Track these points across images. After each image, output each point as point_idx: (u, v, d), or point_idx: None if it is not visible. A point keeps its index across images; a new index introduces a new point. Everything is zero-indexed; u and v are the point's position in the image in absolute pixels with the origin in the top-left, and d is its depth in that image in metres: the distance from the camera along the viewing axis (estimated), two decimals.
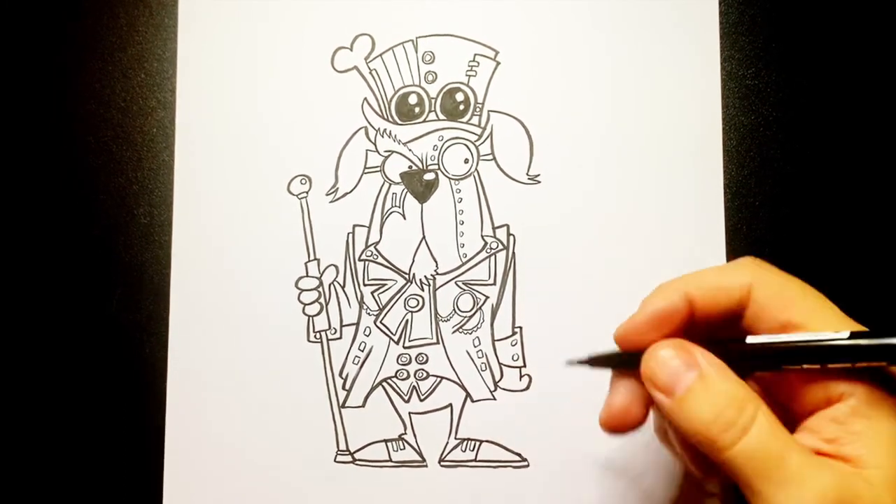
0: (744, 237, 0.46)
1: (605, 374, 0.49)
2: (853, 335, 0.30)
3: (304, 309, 0.47)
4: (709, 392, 0.30)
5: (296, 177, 0.47)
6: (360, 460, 0.46)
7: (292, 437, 0.46)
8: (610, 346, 0.46)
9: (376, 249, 0.47)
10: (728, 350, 0.32)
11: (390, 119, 0.48)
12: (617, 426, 0.35)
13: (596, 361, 0.36)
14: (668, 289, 0.33)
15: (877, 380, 0.30)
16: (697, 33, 0.47)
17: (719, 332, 0.33)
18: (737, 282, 0.32)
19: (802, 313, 0.31)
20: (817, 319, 0.31)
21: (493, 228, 0.47)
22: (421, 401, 0.46)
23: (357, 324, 0.47)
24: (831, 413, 0.30)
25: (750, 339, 0.31)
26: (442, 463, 0.46)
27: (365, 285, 0.47)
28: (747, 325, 0.32)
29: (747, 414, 0.29)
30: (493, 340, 0.46)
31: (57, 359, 0.47)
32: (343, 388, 0.46)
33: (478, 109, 0.48)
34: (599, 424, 0.35)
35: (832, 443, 0.30)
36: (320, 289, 0.47)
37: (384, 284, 0.47)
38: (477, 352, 0.46)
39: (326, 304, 0.47)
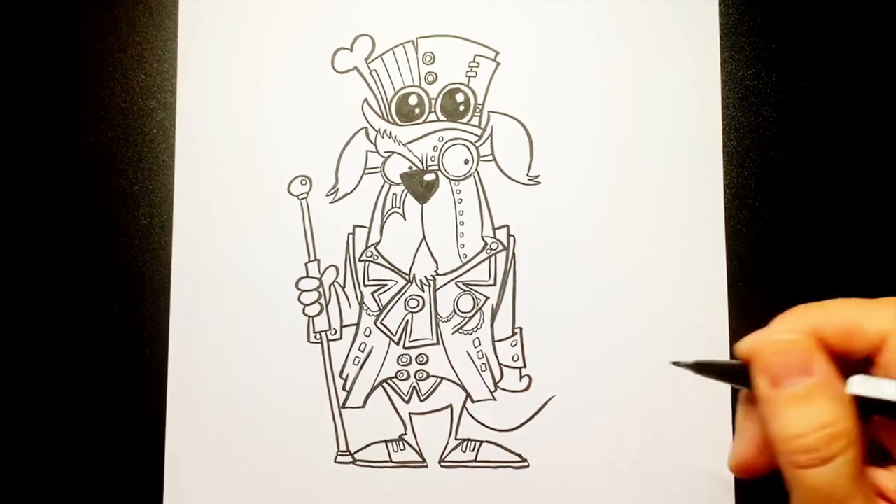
0: (744, 238, 0.46)
1: (606, 377, 0.49)
2: None
3: (304, 309, 0.47)
4: (810, 408, 0.29)
5: (296, 177, 0.47)
6: (360, 461, 0.46)
7: (292, 438, 0.46)
8: (616, 349, 0.46)
9: (376, 250, 0.47)
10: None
11: (390, 120, 0.48)
12: (745, 471, 0.33)
13: (703, 368, 0.34)
14: (798, 320, 0.31)
15: None
16: (697, 34, 0.47)
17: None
18: (875, 327, 0.30)
19: None
20: None
21: (494, 229, 0.47)
22: (421, 401, 0.46)
23: (357, 324, 0.47)
24: None
25: (851, 384, 0.30)
26: (442, 463, 0.46)
27: (365, 286, 0.47)
28: (877, 368, 0.30)
29: (833, 448, 0.28)
30: (494, 341, 0.46)
31: (57, 360, 0.47)
32: (343, 388, 0.46)
33: (478, 110, 0.48)
34: (728, 468, 0.33)
35: None
36: (320, 289, 0.47)
37: (384, 285, 0.47)
38: (477, 352, 0.46)
39: (327, 305, 0.47)
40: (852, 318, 0.30)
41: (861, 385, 0.29)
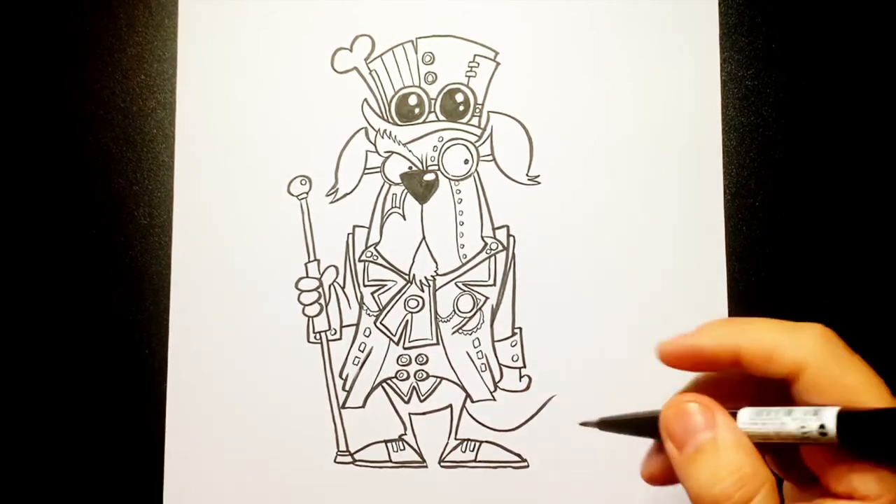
0: (744, 238, 0.46)
1: (606, 377, 0.49)
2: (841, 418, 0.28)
3: (304, 310, 0.47)
4: (716, 458, 0.29)
5: (296, 177, 0.47)
6: (360, 461, 0.46)
7: (292, 438, 0.46)
8: (616, 349, 0.46)
9: (376, 250, 0.47)
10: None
11: (390, 120, 0.48)
12: (655, 481, 0.34)
13: (607, 425, 0.35)
14: (719, 335, 0.32)
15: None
16: (697, 34, 0.47)
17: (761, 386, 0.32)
18: (792, 354, 0.30)
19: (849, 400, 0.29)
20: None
21: (493, 229, 0.47)
22: (421, 401, 0.46)
23: (357, 324, 0.47)
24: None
25: (741, 417, 0.30)
26: (442, 463, 0.46)
27: (365, 286, 0.47)
28: (792, 394, 0.31)
29: (746, 490, 0.29)
30: (493, 341, 0.46)
31: (57, 359, 0.47)
32: (343, 388, 0.46)
33: (478, 110, 0.48)
34: (641, 476, 0.35)
35: None
36: (320, 289, 0.47)
37: (384, 285, 0.47)
38: (477, 352, 0.46)
39: (326, 305, 0.47)
40: (772, 342, 0.30)
41: (747, 423, 0.30)
